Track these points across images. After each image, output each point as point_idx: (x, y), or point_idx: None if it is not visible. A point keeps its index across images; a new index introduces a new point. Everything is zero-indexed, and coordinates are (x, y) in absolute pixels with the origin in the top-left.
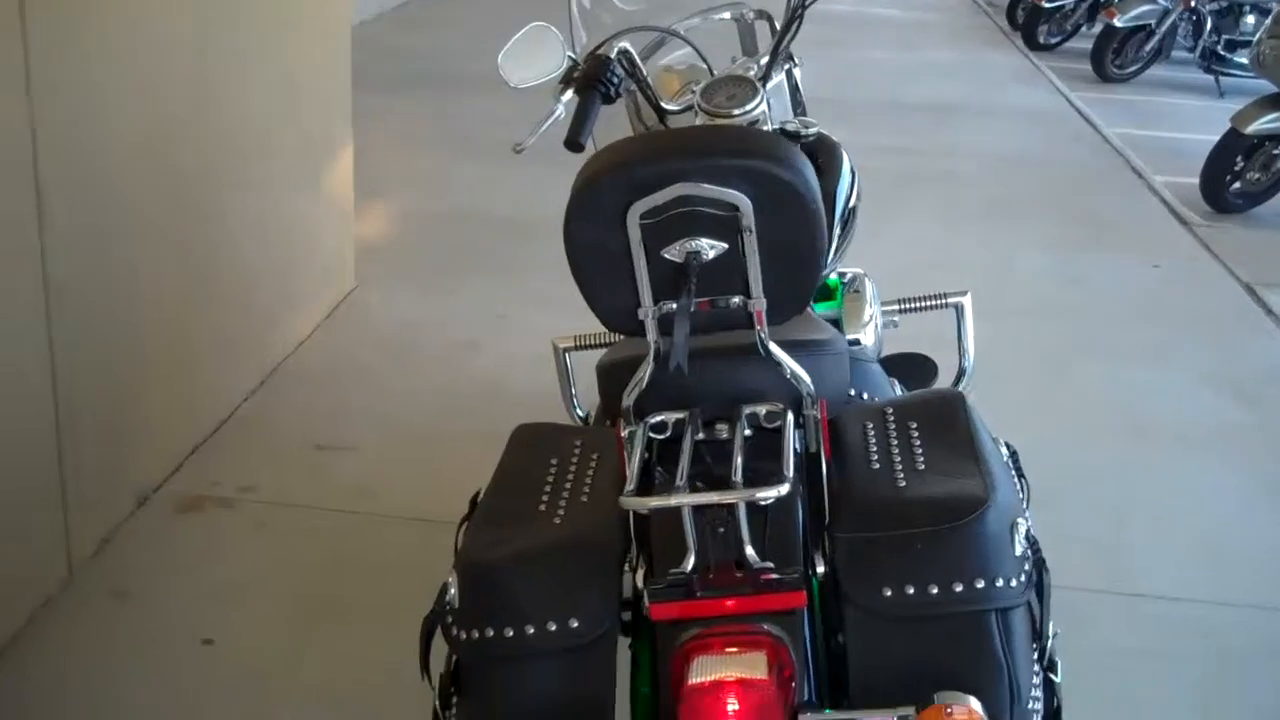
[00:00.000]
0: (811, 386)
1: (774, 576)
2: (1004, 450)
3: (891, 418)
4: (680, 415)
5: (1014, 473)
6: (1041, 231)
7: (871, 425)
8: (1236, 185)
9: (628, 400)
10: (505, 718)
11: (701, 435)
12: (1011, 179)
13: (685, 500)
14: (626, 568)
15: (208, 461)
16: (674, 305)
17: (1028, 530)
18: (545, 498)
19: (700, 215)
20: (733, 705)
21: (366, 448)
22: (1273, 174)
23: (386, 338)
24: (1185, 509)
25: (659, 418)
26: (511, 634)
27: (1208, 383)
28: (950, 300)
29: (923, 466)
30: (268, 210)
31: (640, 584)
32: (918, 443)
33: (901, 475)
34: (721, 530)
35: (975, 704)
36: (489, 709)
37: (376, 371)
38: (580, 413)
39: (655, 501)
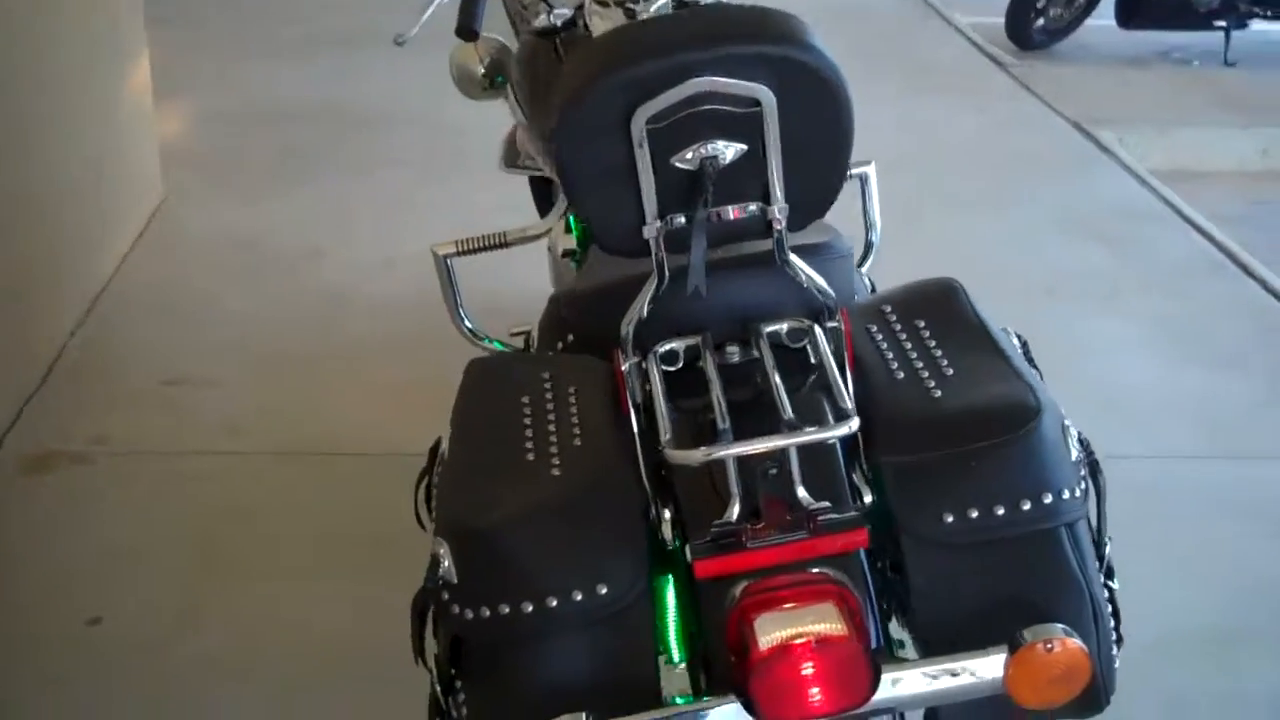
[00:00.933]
0: (834, 296)
1: (832, 516)
2: (1015, 340)
3: (894, 318)
4: (691, 341)
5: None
6: (859, 83)
7: (876, 329)
8: (1040, 22)
9: (627, 328)
10: (531, 703)
11: (717, 362)
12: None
13: (745, 449)
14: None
15: (47, 411)
16: (684, 219)
17: (1079, 432)
18: (529, 445)
19: (715, 114)
20: (809, 668)
21: (221, 379)
22: (1074, 9)
23: (215, 252)
24: (1073, 361)
25: (668, 346)
26: (531, 609)
27: (1065, 228)
28: (854, 172)
29: (950, 371)
30: (58, 115)
31: (668, 536)
32: (933, 344)
33: (932, 384)
34: (773, 472)
35: (1072, 637)
36: (511, 694)
37: (211, 292)
38: (468, 325)
39: (717, 451)
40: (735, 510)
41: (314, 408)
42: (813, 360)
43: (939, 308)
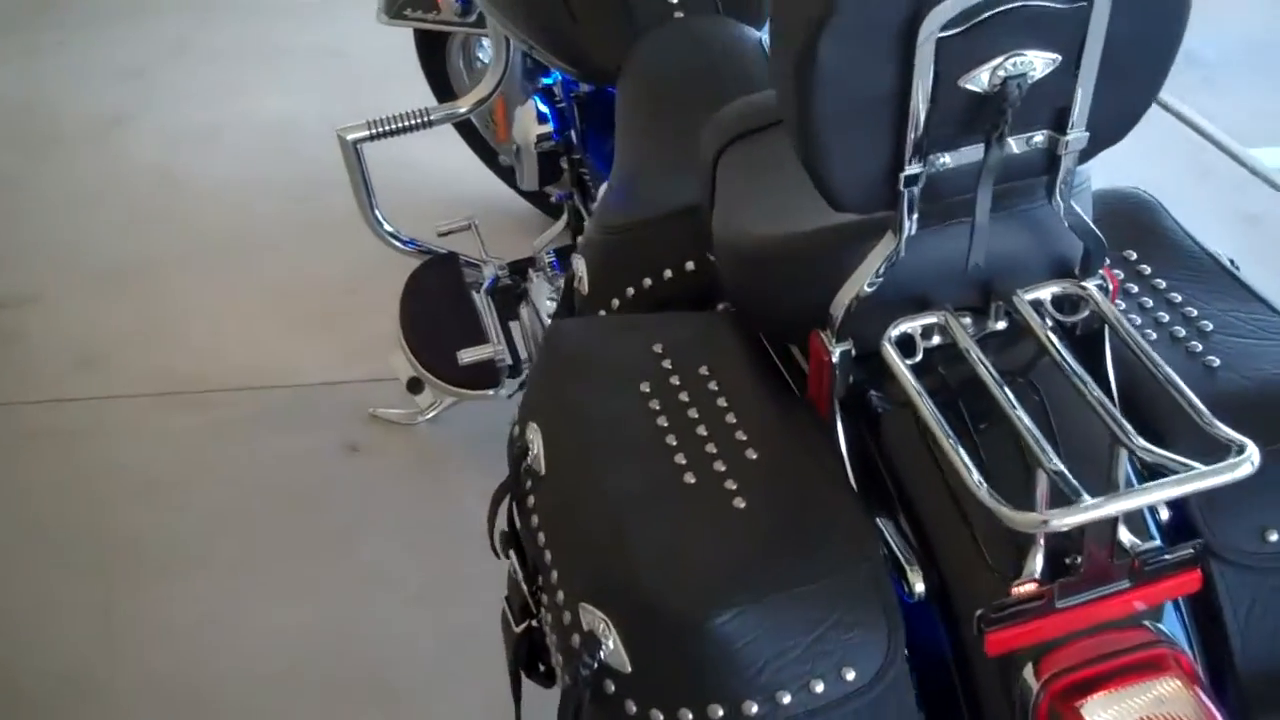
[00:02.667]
0: (1105, 245)
1: (1164, 557)
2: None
3: None
4: (930, 319)
5: None
6: None
7: None
8: None
9: (843, 305)
10: None
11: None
12: None
13: (1116, 507)
14: None
15: None
16: (947, 159)
17: None
18: (682, 458)
19: (1029, 13)
20: None
21: (47, 296)
22: None
23: None
24: None
25: (903, 328)
26: (756, 710)
27: None
28: None
29: (1209, 326)
30: None
31: (916, 589)
32: (1162, 284)
33: (1199, 348)
34: None
35: None
36: None
37: None
38: (386, 227)
39: (1076, 516)
40: (1039, 563)
41: (176, 329)
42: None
43: (1146, 234)
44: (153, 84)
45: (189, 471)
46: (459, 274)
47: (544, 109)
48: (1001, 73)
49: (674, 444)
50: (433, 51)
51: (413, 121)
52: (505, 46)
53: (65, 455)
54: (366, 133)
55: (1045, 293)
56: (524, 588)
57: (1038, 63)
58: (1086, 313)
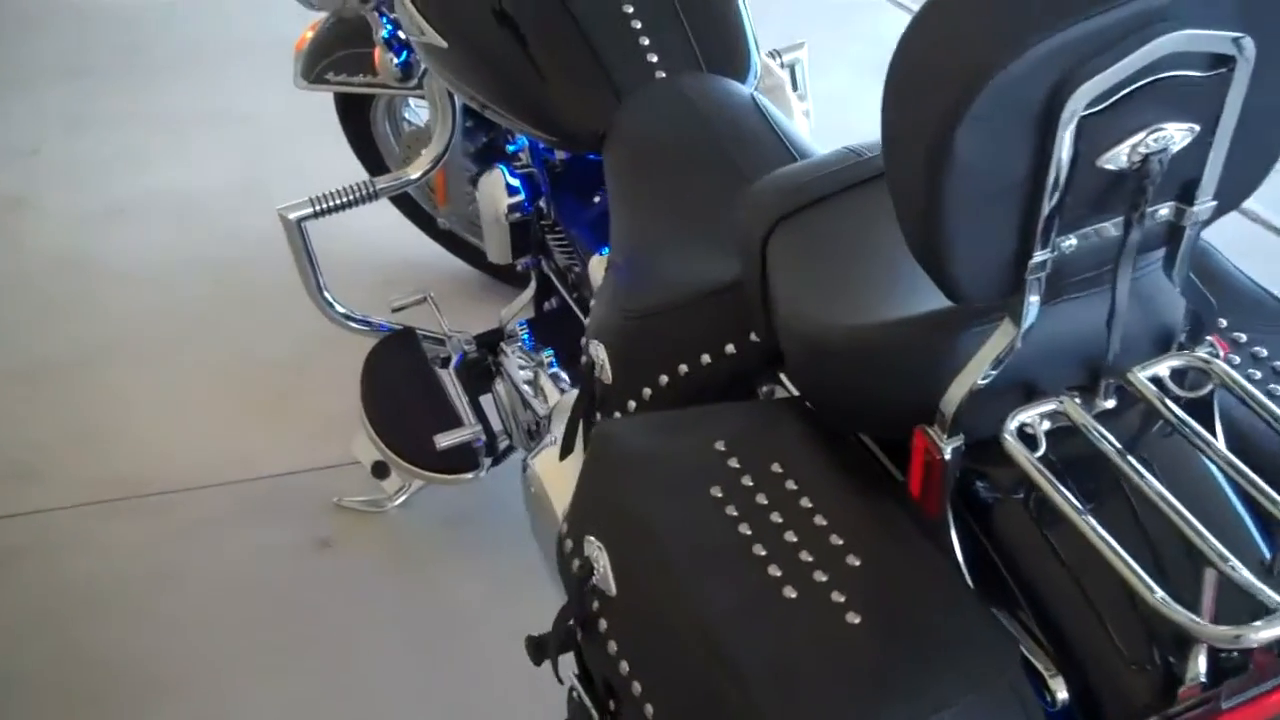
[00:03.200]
0: (1215, 307)
1: None
2: None
3: None
4: (1048, 405)
5: None
6: None
7: None
8: None
9: (951, 407)
10: None
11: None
12: None
13: None
14: None
15: None
16: (1074, 240)
17: None
18: (778, 570)
19: (1172, 85)
20: None
21: None
22: None
23: None
24: None
25: (1023, 418)
26: None
27: None
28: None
29: None
30: None
31: (1059, 695)
32: (1248, 341)
33: None
34: None
35: None
36: None
37: None
38: (338, 308)
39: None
40: (1202, 665)
41: (113, 428)
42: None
43: (1209, 281)
44: (49, 162)
45: (148, 585)
46: (419, 350)
47: (513, 180)
48: (1143, 149)
49: (763, 553)
50: (355, 114)
51: (357, 194)
52: (451, 108)
53: (9, 578)
54: (310, 210)
55: (1163, 368)
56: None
57: (1176, 135)
58: (1210, 386)
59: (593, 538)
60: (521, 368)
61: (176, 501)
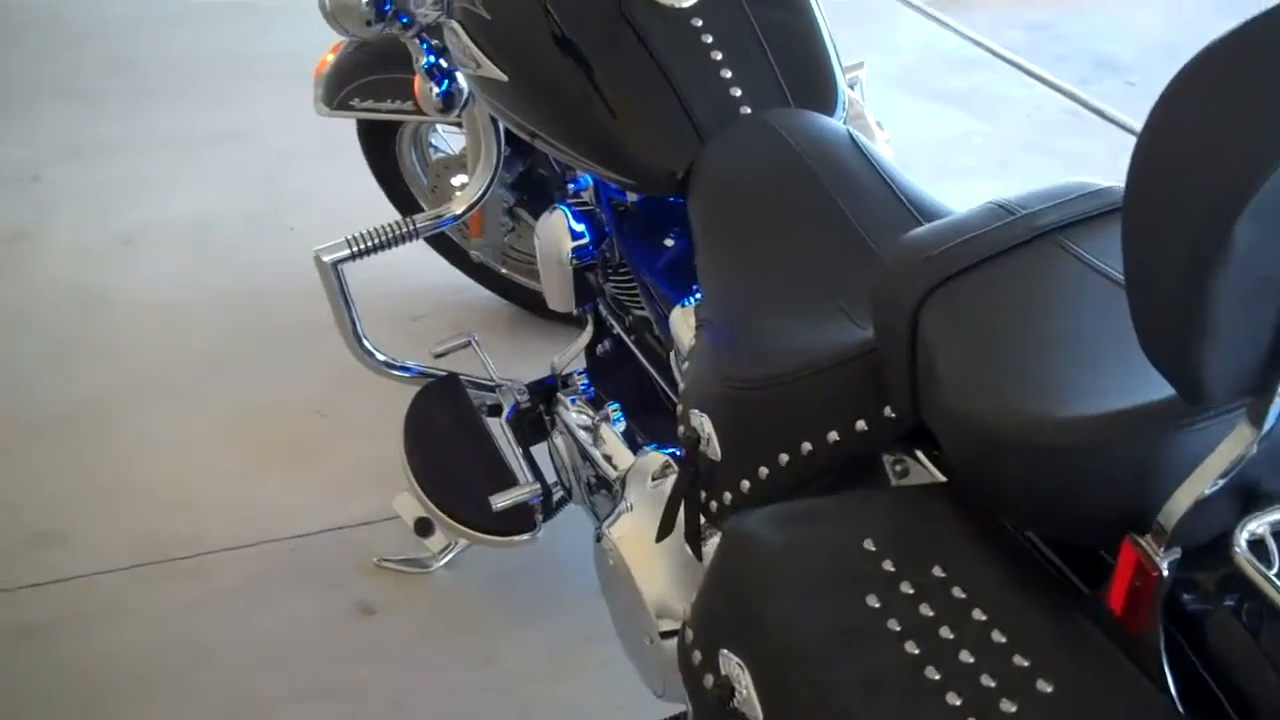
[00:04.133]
0: None
1: None
2: None
3: None
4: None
5: None
6: None
7: None
8: None
9: (1172, 519)
10: None
11: None
12: None
13: None
14: None
15: None
16: None
17: None
18: (955, 697)
19: None
20: None
21: None
22: None
23: None
24: None
25: (1254, 526)
26: None
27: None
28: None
29: None
30: None
31: None
32: None
33: None
34: None
35: None
36: None
37: None
38: (379, 355)
39: None
40: None
41: (137, 482)
42: None
43: None
44: (51, 190)
45: (191, 657)
46: (465, 398)
47: (576, 225)
48: None
49: (937, 678)
50: (379, 141)
51: (397, 233)
52: (495, 140)
53: (44, 654)
54: (347, 251)
55: None
56: None
57: None
58: None
59: (731, 654)
60: (582, 420)
61: (207, 565)
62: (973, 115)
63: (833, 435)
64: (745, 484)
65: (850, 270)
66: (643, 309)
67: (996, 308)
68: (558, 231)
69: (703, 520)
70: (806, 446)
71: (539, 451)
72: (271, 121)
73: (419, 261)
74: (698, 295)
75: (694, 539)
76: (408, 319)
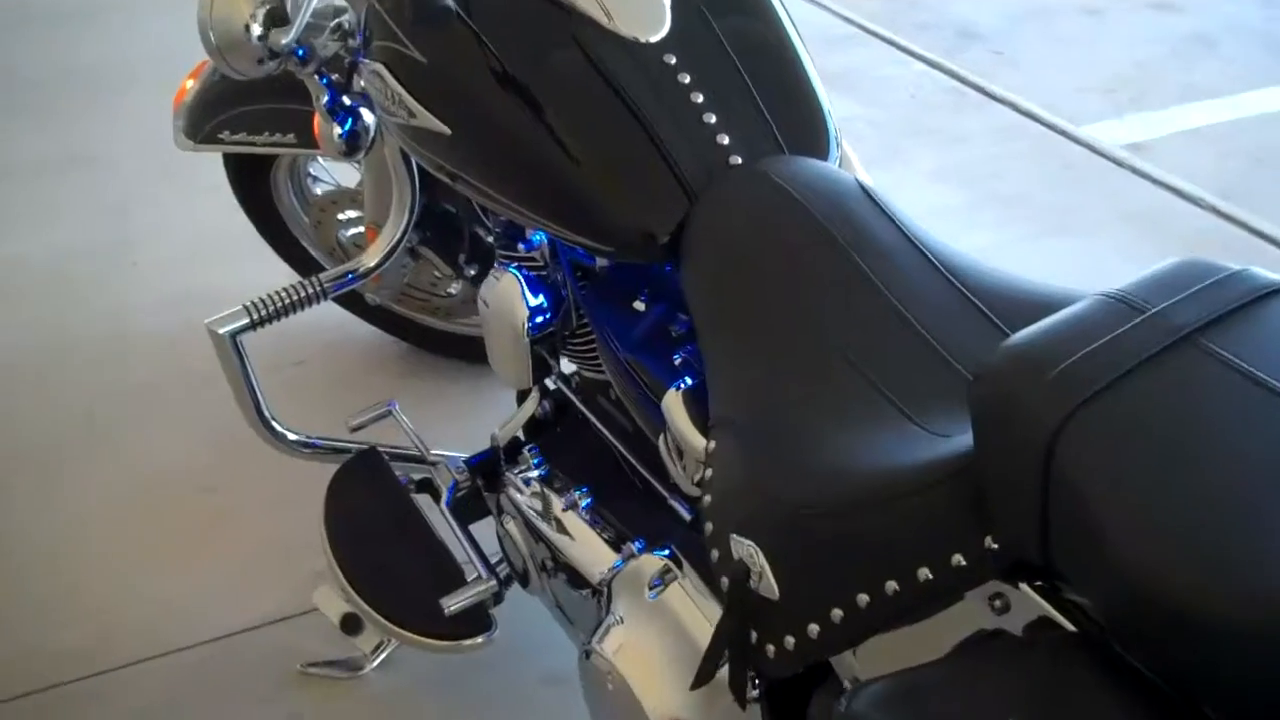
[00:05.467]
0: None
1: None
2: None
3: None
4: None
5: None
6: None
7: None
8: None
9: None
10: None
11: None
12: None
13: None
14: None
15: None
16: None
17: None
18: None
19: None
20: None
21: None
22: None
23: None
24: None
25: None
26: None
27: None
28: None
29: None
30: None
31: None
32: None
33: None
34: None
35: None
36: None
37: None
38: (290, 434)
39: None
40: None
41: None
42: None
43: None
44: None
45: None
46: (390, 476)
47: (532, 293)
48: None
49: None
50: (251, 175)
51: (304, 294)
52: (410, 185)
53: None
54: (246, 320)
55: None
56: None
57: None
58: None
59: None
60: (536, 505)
61: (108, 687)
62: (855, 100)
63: (924, 572)
64: (814, 628)
65: (897, 357)
66: (604, 376)
67: (1152, 434)
68: (511, 300)
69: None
70: (892, 586)
71: (478, 528)
72: (121, 144)
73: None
74: (689, 378)
75: (740, 689)
76: (290, 364)
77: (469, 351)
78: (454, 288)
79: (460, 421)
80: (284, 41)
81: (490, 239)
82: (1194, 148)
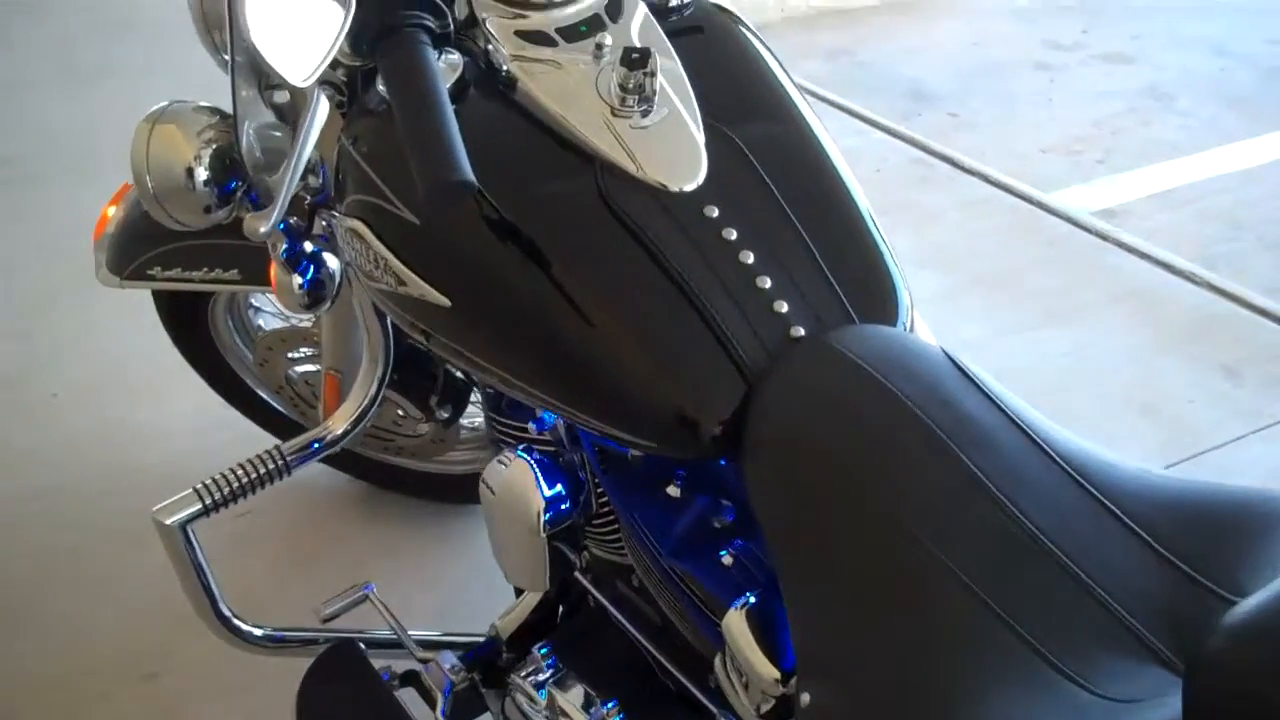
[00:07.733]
0: None
1: None
2: None
3: None
4: None
5: None
6: None
7: None
8: None
9: None
10: None
11: None
12: None
13: None
14: None
15: None
16: None
17: None
18: None
19: None
20: None
21: None
22: None
23: None
24: None
25: None
26: None
27: None
28: None
29: None
30: None
31: None
32: None
33: None
34: None
35: None
36: None
37: None
38: (258, 632)
39: None
40: None
41: None
42: None
43: None
44: None
45: None
46: (370, 671)
47: (548, 482)
48: None
49: None
50: (185, 312)
51: (265, 470)
52: (383, 332)
53: None
54: (198, 506)
55: None
56: None
57: None
58: None
59: None
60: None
61: None
62: None
63: None
64: None
65: (1030, 586)
66: (627, 560)
67: None
68: (524, 491)
69: None
70: None
71: None
72: (17, 235)
73: (234, 428)
74: (752, 595)
75: None
76: (232, 516)
77: (442, 492)
78: (422, 427)
79: (440, 586)
80: (262, 230)
81: (487, 409)
82: (1169, 212)
